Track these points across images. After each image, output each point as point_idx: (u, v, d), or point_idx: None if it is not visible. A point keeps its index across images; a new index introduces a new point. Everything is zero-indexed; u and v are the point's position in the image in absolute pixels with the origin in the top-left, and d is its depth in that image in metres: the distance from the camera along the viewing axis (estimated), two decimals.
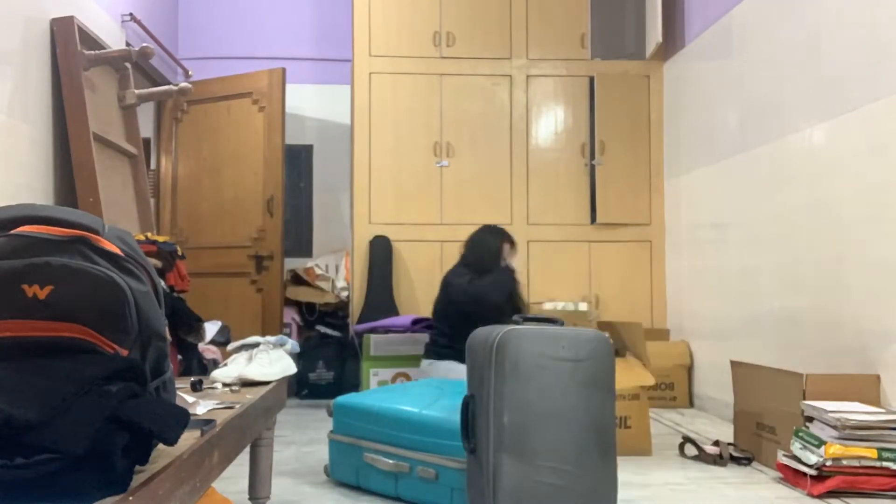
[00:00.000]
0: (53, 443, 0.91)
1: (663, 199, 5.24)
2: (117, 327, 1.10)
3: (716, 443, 3.29)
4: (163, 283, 3.51)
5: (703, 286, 4.68)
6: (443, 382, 3.00)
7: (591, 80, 5.26)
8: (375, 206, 5.15)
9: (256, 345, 2.40)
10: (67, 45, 3.69)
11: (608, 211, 5.18)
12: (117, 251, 1.16)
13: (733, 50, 4.29)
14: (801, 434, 2.74)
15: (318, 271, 5.76)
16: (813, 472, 2.62)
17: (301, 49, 6.15)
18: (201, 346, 3.65)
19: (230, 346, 2.50)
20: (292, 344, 2.54)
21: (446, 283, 3.86)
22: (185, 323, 3.37)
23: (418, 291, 5.13)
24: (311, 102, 6.14)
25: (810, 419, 2.75)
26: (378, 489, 2.66)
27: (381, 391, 2.97)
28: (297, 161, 6.13)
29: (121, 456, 0.97)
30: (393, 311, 4.97)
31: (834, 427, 2.60)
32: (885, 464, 2.55)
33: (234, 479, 2.63)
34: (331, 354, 5.22)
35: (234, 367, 2.25)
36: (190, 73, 5.84)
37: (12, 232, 1.11)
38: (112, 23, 4.52)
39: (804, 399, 2.81)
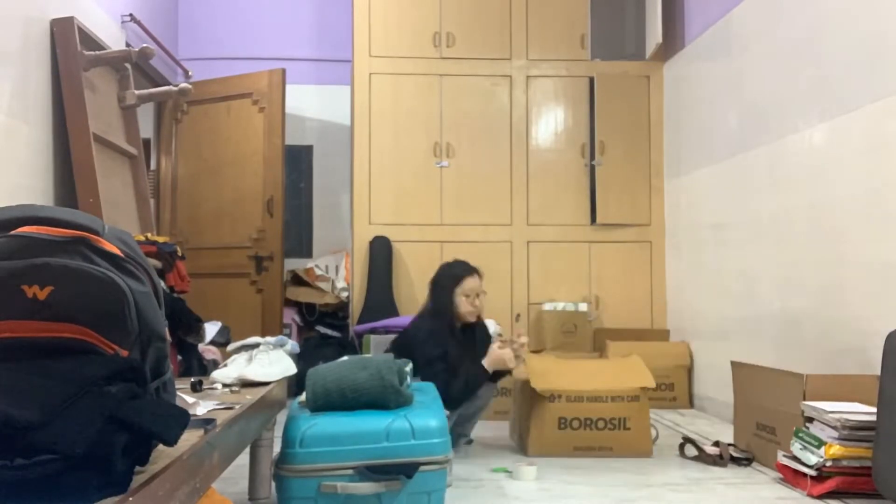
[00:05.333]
0: (53, 443, 0.92)
1: (663, 200, 5.23)
2: (117, 328, 1.10)
3: (716, 443, 3.29)
4: (163, 283, 3.51)
5: (703, 286, 4.68)
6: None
7: (591, 80, 5.26)
8: (375, 206, 5.15)
9: (256, 345, 2.40)
10: (67, 45, 3.69)
11: (608, 211, 5.18)
12: (117, 252, 1.16)
13: (733, 50, 4.29)
14: (801, 434, 2.74)
15: (318, 272, 5.76)
16: (813, 472, 2.62)
17: (301, 49, 6.15)
18: (201, 346, 3.65)
19: (230, 347, 2.50)
20: (292, 345, 2.54)
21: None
22: (185, 323, 3.37)
23: (418, 292, 5.11)
24: (311, 103, 6.14)
25: (810, 420, 2.74)
26: None
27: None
28: (297, 161, 6.13)
29: (121, 456, 0.98)
30: (393, 311, 4.97)
31: (834, 427, 2.60)
32: None
33: (234, 480, 2.63)
34: (331, 355, 5.20)
35: (234, 368, 2.25)
36: (190, 73, 5.84)
37: (12, 233, 1.11)
38: (112, 23, 4.52)
39: (804, 399, 2.81)
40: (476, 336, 3.46)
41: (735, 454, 3.18)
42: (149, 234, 3.92)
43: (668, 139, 5.21)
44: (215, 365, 3.25)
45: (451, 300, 3.35)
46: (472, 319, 3.41)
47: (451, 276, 3.40)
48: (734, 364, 3.48)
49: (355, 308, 5.10)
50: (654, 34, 5.04)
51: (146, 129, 5.24)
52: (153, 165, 5.69)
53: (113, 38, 4.44)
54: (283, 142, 5.40)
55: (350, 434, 2.21)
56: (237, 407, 1.78)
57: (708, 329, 4.62)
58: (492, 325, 4.70)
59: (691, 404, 4.77)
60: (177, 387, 1.40)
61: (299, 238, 6.15)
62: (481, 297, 3.41)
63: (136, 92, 4.31)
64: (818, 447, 2.61)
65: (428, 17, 5.22)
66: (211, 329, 3.91)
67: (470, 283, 3.37)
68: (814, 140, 3.48)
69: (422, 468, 2.21)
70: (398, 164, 5.16)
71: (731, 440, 3.41)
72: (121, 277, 1.11)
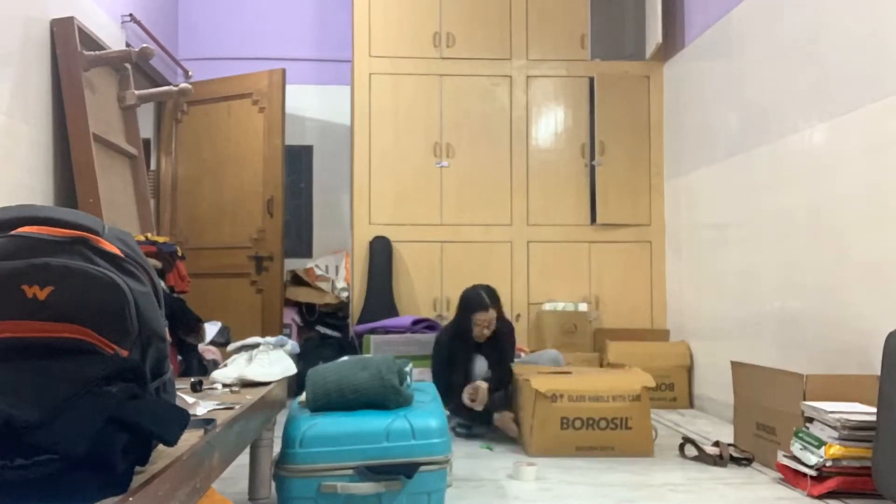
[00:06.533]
0: (53, 443, 0.92)
1: (663, 200, 5.24)
2: (117, 328, 1.10)
3: (716, 443, 3.29)
4: (163, 283, 3.51)
5: (703, 286, 4.68)
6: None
7: (591, 80, 5.26)
8: (375, 206, 5.15)
9: (256, 345, 2.40)
10: (67, 45, 3.69)
11: (608, 211, 5.18)
12: (117, 252, 1.16)
13: (733, 50, 4.29)
14: (801, 435, 2.74)
15: (318, 272, 5.76)
16: (813, 472, 2.62)
17: (301, 50, 6.15)
18: (201, 346, 3.64)
19: (230, 347, 2.50)
20: (292, 345, 2.54)
21: None
22: (185, 323, 3.37)
23: (418, 292, 5.13)
24: (311, 103, 6.14)
25: (810, 420, 2.74)
26: None
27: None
28: (297, 162, 6.13)
29: (121, 456, 0.98)
30: (393, 311, 4.97)
31: (834, 427, 2.60)
32: None
33: (234, 480, 2.63)
34: (331, 355, 5.21)
35: (234, 368, 2.25)
36: (190, 73, 5.84)
37: (12, 233, 1.11)
38: (112, 23, 4.52)
39: (804, 399, 2.81)
40: (495, 342, 3.93)
41: (735, 454, 3.18)
42: (149, 234, 3.92)
43: (668, 139, 5.21)
44: (215, 365, 3.25)
45: (468, 323, 3.87)
46: (481, 341, 3.90)
47: (467, 305, 3.92)
48: (734, 364, 3.48)
49: (355, 308, 5.10)
50: (654, 34, 5.04)
51: (146, 129, 5.24)
52: (153, 165, 5.68)
53: (113, 38, 4.44)
54: (283, 142, 5.40)
55: (350, 434, 2.21)
56: (237, 407, 1.78)
57: (708, 329, 4.62)
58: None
59: (691, 404, 4.77)
60: (177, 387, 1.40)
61: (299, 238, 6.15)
62: (491, 326, 3.87)
63: (136, 92, 4.31)
64: (818, 447, 2.61)
65: (428, 17, 5.22)
66: (211, 329, 3.91)
67: (481, 316, 3.84)
68: (814, 140, 3.48)
69: (422, 468, 2.21)
70: (398, 164, 5.16)
71: (731, 440, 3.41)
72: (121, 277, 1.11)
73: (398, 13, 5.22)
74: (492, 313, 3.86)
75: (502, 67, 5.25)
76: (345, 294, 5.60)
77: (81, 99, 3.68)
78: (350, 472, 2.19)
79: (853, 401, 2.75)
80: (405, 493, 2.21)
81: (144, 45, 4.20)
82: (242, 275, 5.42)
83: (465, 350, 3.89)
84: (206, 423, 1.43)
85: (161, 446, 1.13)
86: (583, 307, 5.05)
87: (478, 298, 3.88)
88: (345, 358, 2.69)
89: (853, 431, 2.57)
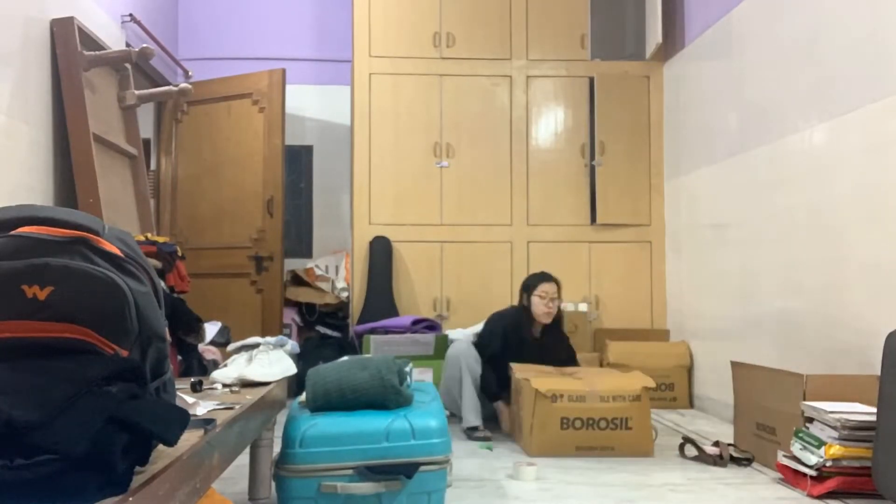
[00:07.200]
0: (54, 444, 0.92)
1: (663, 200, 5.24)
2: (117, 328, 1.10)
3: (716, 443, 3.29)
4: (163, 283, 3.51)
5: (703, 286, 4.68)
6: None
7: (591, 80, 5.26)
8: (375, 206, 5.15)
9: (256, 345, 2.40)
10: (67, 45, 3.69)
11: (608, 211, 5.18)
12: (117, 252, 1.16)
13: (733, 50, 4.29)
14: (801, 435, 2.74)
15: (318, 272, 5.76)
16: (813, 472, 2.62)
17: (301, 49, 6.15)
18: (201, 346, 3.64)
19: (230, 347, 2.50)
20: (292, 345, 2.54)
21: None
22: (185, 323, 3.37)
23: (418, 292, 5.13)
24: (311, 103, 6.14)
25: (810, 420, 2.74)
26: None
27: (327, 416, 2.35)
28: (297, 162, 6.13)
29: (121, 456, 0.98)
30: (393, 311, 4.97)
31: (834, 428, 2.60)
32: None
33: (234, 480, 2.63)
34: (331, 355, 5.21)
35: (234, 368, 2.25)
36: (190, 73, 5.84)
37: (12, 233, 1.11)
38: (112, 23, 4.52)
39: (804, 399, 2.81)
40: (549, 337, 4.01)
41: (735, 454, 3.18)
42: (149, 234, 3.92)
43: (668, 139, 5.21)
44: (215, 365, 3.25)
45: (529, 301, 3.95)
46: (547, 320, 3.94)
47: (529, 283, 4.02)
48: (734, 364, 3.48)
49: (355, 308, 5.10)
50: (654, 34, 5.04)
51: (146, 129, 5.24)
52: (153, 165, 5.68)
53: (113, 38, 4.44)
54: (283, 142, 5.40)
55: (350, 434, 2.21)
56: (237, 407, 1.78)
57: (708, 329, 4.62)
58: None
59: (691, 404, 4.77)
60: (177, 387, 1.40)
61: (299, 238, 6.15)
62: (555, 302, 3.94)
63: (136, 92, 4.31)
64: (818, 447, 2.61)
65: (428, 17, 5.22)
66: (211, 329, 3.91)
67: (546, 287, 3.92)
68: (814, 140, 3.48)
69: (422, 468, 2.21)
70: (398, 164, 5.16)
71: (731, 440, 3.41)
72: (121, 277, 1.11)
73: (398, 13, 5.22)
74: (555, 287, 3.90)
75: (502, 67, 5.25)
76: (345, 294, 5.60)
77: (81, 99, 3.68)
78: (350, 472, 2.19)
79: (853, 401, 2.75)
80: (405, 493, 2.21)
81: (144, 45, 4.20)
82: (242, 275, 5.42)
83: (519, 342, 3.88)
84: (206, 423, 1.43)
85: (161, 446, 1.13)
86: (583, 307, 5.05)
87: (540, 273, 3.98)
88: (345, 358, 2.69)
89: (853, 431, 2.56)
